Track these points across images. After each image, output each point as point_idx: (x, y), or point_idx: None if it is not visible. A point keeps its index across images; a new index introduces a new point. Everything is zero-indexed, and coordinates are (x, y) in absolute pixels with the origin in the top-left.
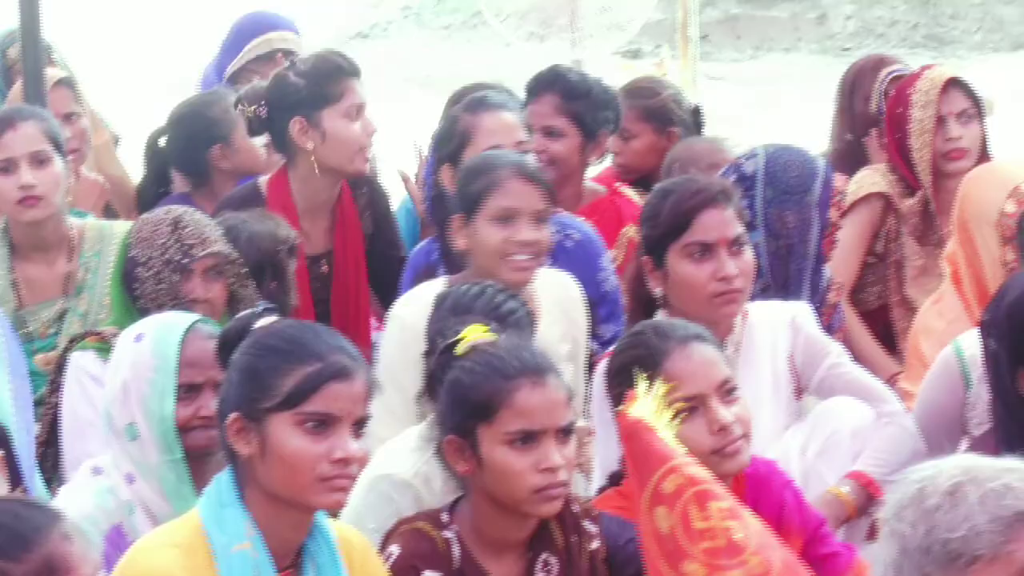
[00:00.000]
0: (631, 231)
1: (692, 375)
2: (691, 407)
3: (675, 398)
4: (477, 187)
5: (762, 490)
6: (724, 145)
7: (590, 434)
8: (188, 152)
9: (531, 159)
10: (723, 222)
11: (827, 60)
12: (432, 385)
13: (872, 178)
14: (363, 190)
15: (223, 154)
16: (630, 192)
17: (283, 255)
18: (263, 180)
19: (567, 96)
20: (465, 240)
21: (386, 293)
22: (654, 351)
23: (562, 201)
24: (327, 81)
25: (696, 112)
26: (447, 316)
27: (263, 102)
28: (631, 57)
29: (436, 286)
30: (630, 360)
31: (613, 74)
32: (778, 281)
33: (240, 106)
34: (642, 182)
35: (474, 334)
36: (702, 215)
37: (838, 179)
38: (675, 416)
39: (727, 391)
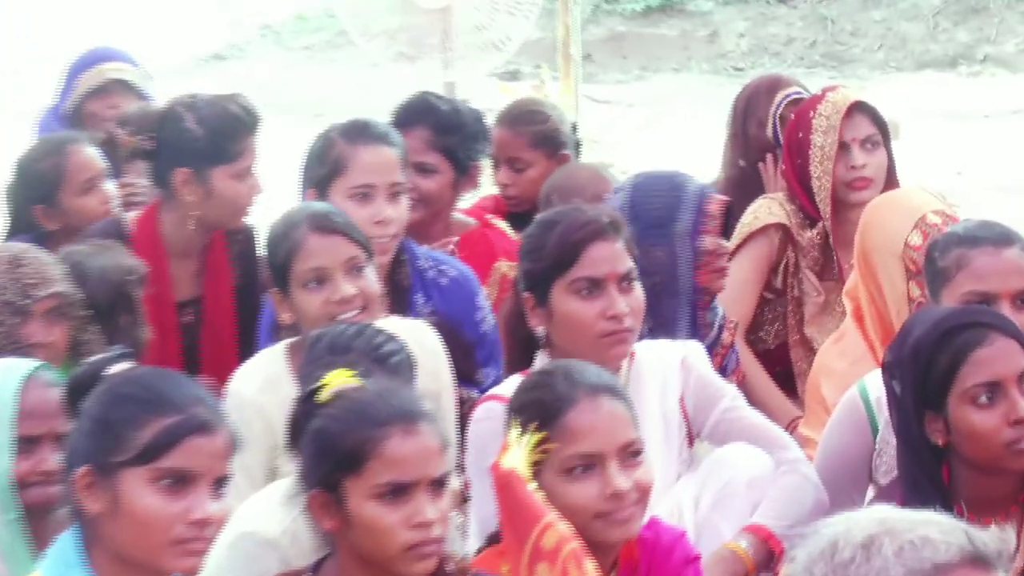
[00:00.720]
0: (504, 266)
1: (594, 431)
2: (587, 464)
3: (572, 454)
4: (279, 257)
5: (657, 560)
6: (607, 173)
7: (465, 500)
8: (15, 211)
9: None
10: (613, 256)
11: (719, 80)
12: (295, 435)
13: (769, 208)
14: (237, 236)
15: (46, 215)
16: (502, 224)
17: (133, 286)
18: (131, 216)
19: (439, 130)
20: (289, 314)
21: (249, 349)
22: (560, 398)
23: (430, 237)
24: (227, 139)
25: (574, 128)
26: (323, 356)
27: (152, 134)
28: (509, 79)
29: (275, 356)
30: (531, 403)
31: (490, 97)
32: (656, 321)
33: (122, 130)
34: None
35: (338, 379)
36: (590, 248)
37: (715, 203)
38: (569, 472)
39: (631, 453)
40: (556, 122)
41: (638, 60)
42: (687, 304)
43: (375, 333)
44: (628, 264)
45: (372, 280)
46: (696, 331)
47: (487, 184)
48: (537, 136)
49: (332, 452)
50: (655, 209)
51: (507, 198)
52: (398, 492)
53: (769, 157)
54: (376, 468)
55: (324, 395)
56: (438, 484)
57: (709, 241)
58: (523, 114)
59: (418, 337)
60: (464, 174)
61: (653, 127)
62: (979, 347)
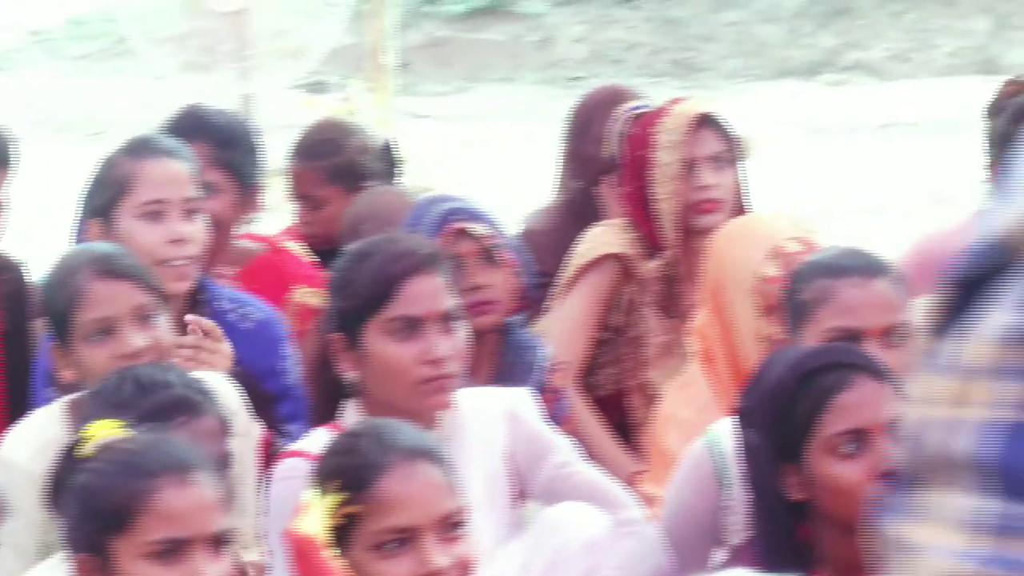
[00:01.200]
0: (302, 294)
1: (409, 502)
2: (401, 539)
3: (384, 527)
4: (58, 306)
5: None
6: (409, 200)
7: (263, 571)
8: None
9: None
10: (433, 292)
11: (553, 92)
12: (56, 495)
13: (605, 236)
14: (3, 276)
15: None
16: (294, 247)
17: None
18: None
19: (219, 144)
20: (71, 371)
21: (19, 405)
22: (370, 464)
23: (211, 267)
24: None
25: (387, 150)
26: (104, 409)
27: None
28: (314, 91)
29: (51, 417)
30: (338, 469)
31: (293, 112)
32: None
33: None
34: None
35: (103, 431)
36: (408, 284)
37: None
38: (380, 547)
39: (450, 526)
40: (355, 151)
41: (462, 69)
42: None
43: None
44: (450, 302)
45: (164, 329)
46: (522, 371)
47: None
48: (333, 170)
49: (97, 509)
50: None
51: (307, 237)
52: (172, 550)
53: (608, 178)
54: (147, 524)
55: (87, 448)
56: (216, 542)
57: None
58: (316, 145)
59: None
60: (247, 193)
61: (480, 144)
62: (843, 391)
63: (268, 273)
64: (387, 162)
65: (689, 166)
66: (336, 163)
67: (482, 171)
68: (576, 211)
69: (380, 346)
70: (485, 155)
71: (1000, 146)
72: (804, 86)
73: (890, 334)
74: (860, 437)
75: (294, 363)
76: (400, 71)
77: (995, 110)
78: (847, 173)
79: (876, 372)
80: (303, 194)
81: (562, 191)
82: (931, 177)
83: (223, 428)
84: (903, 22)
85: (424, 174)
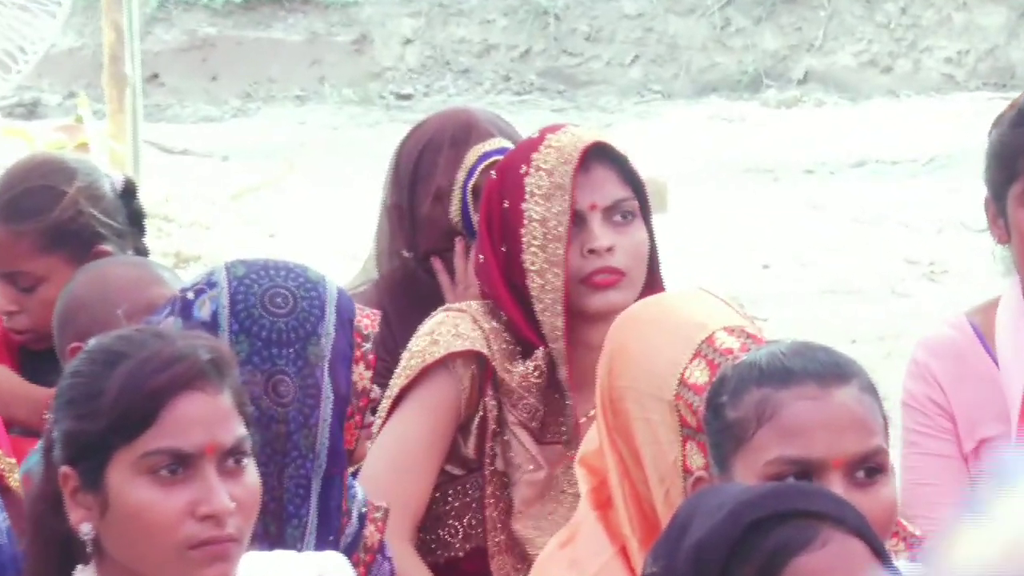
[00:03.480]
0: None
1: None
2: None
3: None
4: None
5: None
6: (158, 270)
7: None
8: None
9: None
10: (213, 415)
11: (372, 114)
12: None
13: (455, 326)
14: None
15: None
16: None
17: None
18: None
19: None
20: None
21: None
22: None
23: None
24: None
25: (128, 193)
26: None
27: None
28: (23, 115)
29: None
30: None
31: None
32: (270, 507)
33: None
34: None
35: None
36: (176, 402)
37: (365, 314)
38: None
39: None
40: (77, 204)
41: (236, 82)
42: (317, 477)
43: None
44: (237, 431)
45: None
46: (329, 524)
47: None
48: (46, 233)
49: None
50: (282, 316)
51: (15, 331)
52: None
53: (457, 244)
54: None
55: None
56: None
57: (360, 372)
58: (19, 199)
59: None
60: None
61: (263, 190)
62: (803, 551)
63: None
64: (128, 217)
65: (577, 221)
66: (51, 223)
67: (267, 231)
68: (408, 292)
69: (132, 490)
70: (272, 207)
71: (999, 164)
72: (737, 107)
73: (860, 466)
74: None
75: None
76: (148, 85)
77: (997, 122)
78: (798, 231)
79: (849, 523)
80: (6, 272)
81: (388, 263)
82: (916, 237)
83: None
84: (881, 14)
85: (182, 235)
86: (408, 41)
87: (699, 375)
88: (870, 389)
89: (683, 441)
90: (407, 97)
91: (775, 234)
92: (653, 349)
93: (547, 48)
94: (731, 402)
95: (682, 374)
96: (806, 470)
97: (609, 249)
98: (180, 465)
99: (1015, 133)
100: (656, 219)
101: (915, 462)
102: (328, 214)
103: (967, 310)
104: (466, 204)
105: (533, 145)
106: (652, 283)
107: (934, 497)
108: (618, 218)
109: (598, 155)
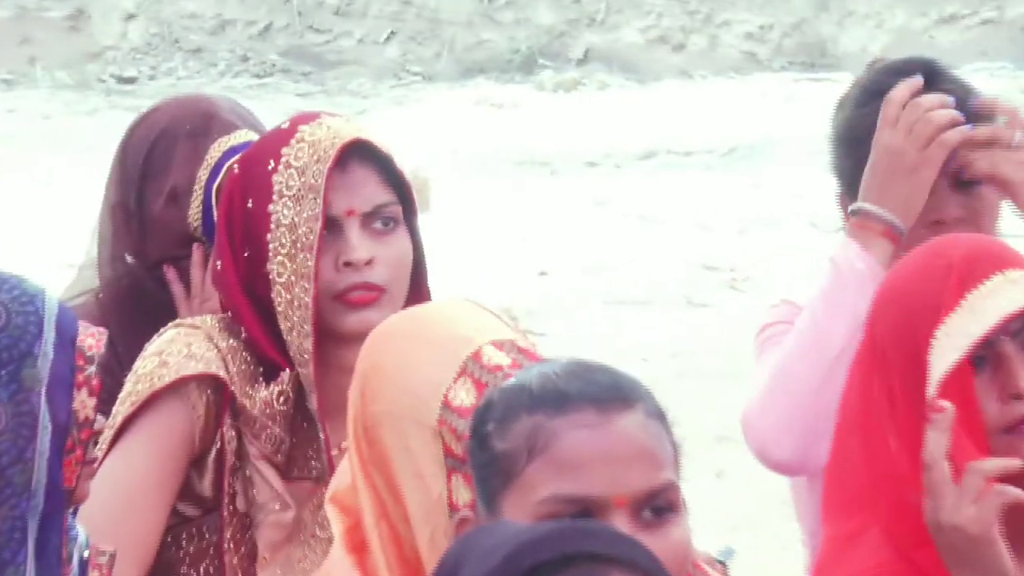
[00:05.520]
0: None
1: None
2: None
3: None
4: None
5: None
6: None
7: None
8: None
9: None
10: None
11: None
12: None
13: (188, 345)
14: None
15: None
16: None
17: None
18: None
19: None
20: None
21: None
22: None
23: None
24: None
25: None
26: None
27: None
28: None
29: None
30: None
31: None
32: None
33: None
34: None
35: None
36: None
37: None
38: None
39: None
40: None
41: None
42: (34, 518)
43: None
44: None
45: None
46: (48, 571)
47: None
48: None
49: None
50: None
51: None
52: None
53: (194, 251)
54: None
55: None
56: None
57: (81, 402)
58: None
59: None
60: None
61: None
62: None
63: None
64: None
65: (331, 227)
66: None
67: None
68: (135, 305)
69: None
70: None
71: (847, 149)
72: (508, 91)
73: (645, 505)
74: None
75: None
76: None
77: (840, 105)
78: (579, 232)
79: (638, 567)
80: None
81: (110, 271)
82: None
83: None
84: None
85: None
86: (131, 16)
87: (465, 396)
88: (658, 415)
89: (448, 473)
90: (130, 80)
91: (553, 236)
92: (412, 367)
93: (290, 24)
94: (498, 431)
95: (445, 395)
96: (585, 509)
97: (368, 262)
98: None
99: (863, 113)
100: (421, 219)
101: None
102: (38, 215)
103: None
104: (209, 207)
105: (283, 137)
106: (417, 300)
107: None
108: (378, 225)
109: (358, 153)
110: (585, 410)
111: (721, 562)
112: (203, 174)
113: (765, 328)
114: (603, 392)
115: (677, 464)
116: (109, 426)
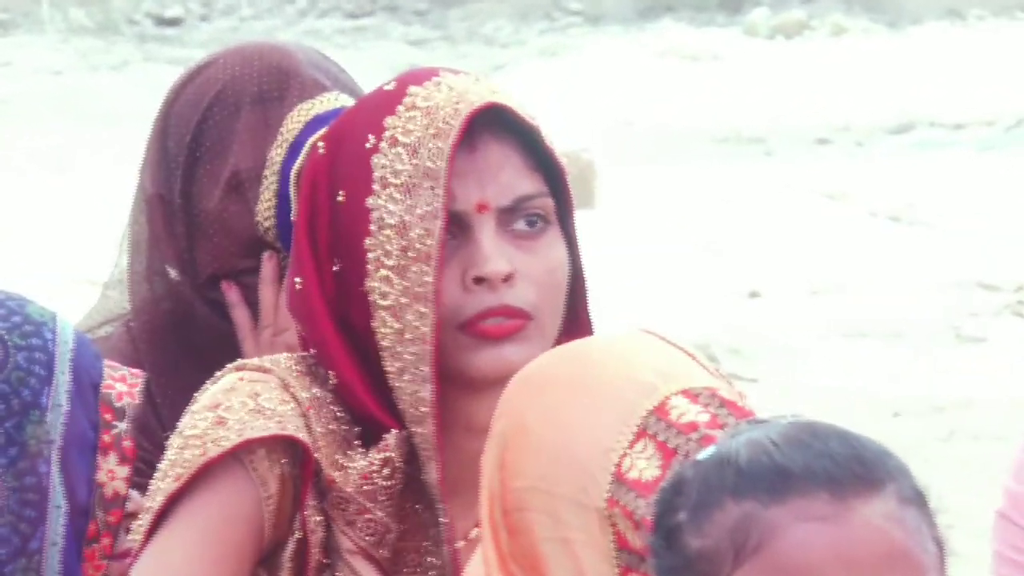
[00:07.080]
0: None
1: None
2: None
3: None
4: None
5: None
6: None
7: None
8: None
9: None
10: None
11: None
12: None
13: (257, 394)
14: None
15: None
16: None
17: None
18: None
19: None
20: None
21: None
22: None
23: None
24: None
25: None
26: None
27: None
28: None
29: None
30: None
31: None
32: None
33: None
34: None
35: None
36: None
37: (118, 376)
38: None
39: None
40: None
41: None
42: None
43: None
44: None
45: None
46: None
47: None
48: None
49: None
50: None
51: None
52: None
53: (264, 262)
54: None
55: None
56: None
57: (108, 472)
58: None
59: None
60: None
61: None
62: None
63: None
64: None
65: (456, 232)
66: None
67: None
68: (180, 338)
69: None
70: None
71: None
72: (706, 36)
73: None
74: None
75: None
76: None
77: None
78: (804, 235)
79: None
80: None
81: (146, 290)
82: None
83: None
84: None
85: None
86: None
87: (645, 466)
88: (916, 500)
89: (622, 573)
90: (174, 22)
91: (768, 244)
92: (570, 427)
93: None
94: (693, 522)
95: (618, 465)
96: None
97: (507, 278)
98: None
99: None
100: (579, 219)
101: None
102: (47, 212)
103: None
104: (284, 200)
105: (388, 103)
106: (574, 329)
107: None
108: (521, 226)
109: (492, 125)
110: (815, 495)
111: None
112: (277, 155)
113: (1007, 512)
114: (839, 469)
115: (943, 567)
116: (148, 508)
